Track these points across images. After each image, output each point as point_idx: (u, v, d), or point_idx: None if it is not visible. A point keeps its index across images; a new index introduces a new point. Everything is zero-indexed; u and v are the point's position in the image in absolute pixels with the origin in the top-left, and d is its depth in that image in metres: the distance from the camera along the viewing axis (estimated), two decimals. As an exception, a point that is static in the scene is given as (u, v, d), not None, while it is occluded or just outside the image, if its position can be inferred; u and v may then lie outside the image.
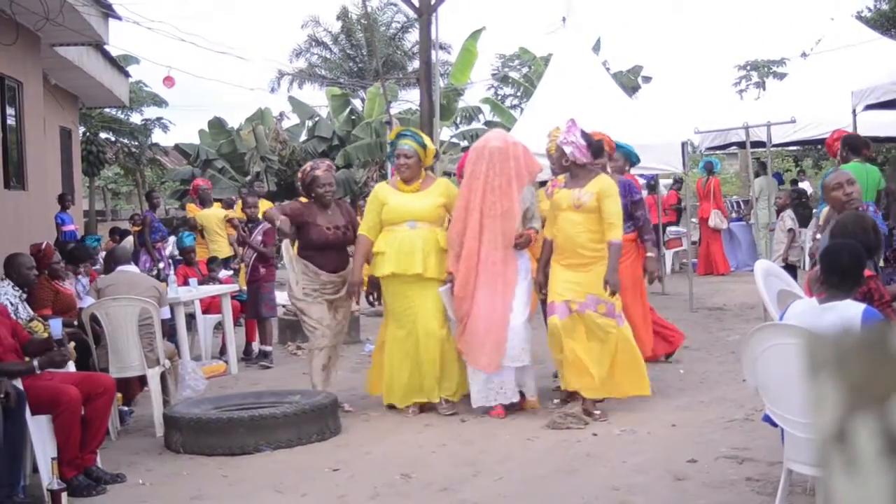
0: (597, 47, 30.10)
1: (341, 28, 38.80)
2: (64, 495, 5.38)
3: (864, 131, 10.66)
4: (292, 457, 6.48)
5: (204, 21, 78.15)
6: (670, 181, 18.68)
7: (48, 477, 5.46)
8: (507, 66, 37.92)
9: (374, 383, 7.87)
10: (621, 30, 73.16)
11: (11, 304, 6.73)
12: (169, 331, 8.43)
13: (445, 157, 21.54)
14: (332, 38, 39.32)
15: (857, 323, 4.08)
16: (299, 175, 8.13)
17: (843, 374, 0.82)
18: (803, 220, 13.59)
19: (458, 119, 29.68)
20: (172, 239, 14.71)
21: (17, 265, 7.11)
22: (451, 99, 26.96)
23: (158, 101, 32.71)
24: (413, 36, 36.54)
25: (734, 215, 18.76)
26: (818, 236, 8.82)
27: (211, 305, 10.68)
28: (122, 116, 32.08)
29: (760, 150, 15.41)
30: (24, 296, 7.16)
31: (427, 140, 7.85)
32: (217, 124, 28.97)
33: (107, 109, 28.48)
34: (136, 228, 13.90)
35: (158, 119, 34.46)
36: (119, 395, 7.09)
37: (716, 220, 17.23)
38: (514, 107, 33.11)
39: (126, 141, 32.99)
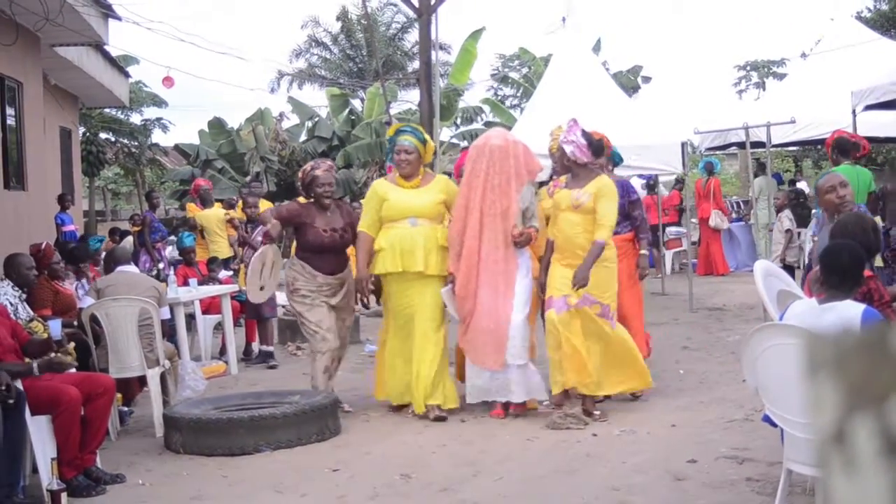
0: (597, 47, 30.12)
1: (341, 28, 38.84)
2: (63, 495, 5.38)
3: (863, 132, 10.67)
4: (292, 457, 6.48)
5: (204, 21, 78.13)
6: (673, 181, 18.69)
7: (48, 477, 5.46)
8: (507, 66, 37.92)
9: (380, 387, 7.84)
10: (621, 30, 73.23)
11: (11, 305, 6.73)
12: (169, 331, 8.43)
13: (445, 157, 21.54)
14: (331, 39, 39.36)
15: (857, 323, 4.09)
16: (299, 175, 8.07)
17: (842, 374, 0.82)
18: (801, 221, 13.59)
19: (459, 119, 29.69)
20: (172, 239, 14.71)
21: (16, 265, 7.11)
22: (452, 99, 26.96)
23: (158, 102, 32.71)
24: (413, 36, 36.56)
25: (734, 216, 18.77)
26: (815, 238, 8.86)
27: (211, 306, 10.68)
28: (122, 117, 32.08)
29: (760, 150, 15.41)
30: (24, 296, 7.16)
31: (427, 136, 7.84)
32: (217, 124, 28.97)
33: (107, 110, 28.48)
34: (136, 229, 13.90)
35: (158, 119, 34.47)
36: (119, 395, 7.09)
37: (716, 220, 17.24)
38: (513, 107, 33.12)
39: (126, 141, 32.99)
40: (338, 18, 38.66)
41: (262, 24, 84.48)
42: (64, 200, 15.75)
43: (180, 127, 74.35)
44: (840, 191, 6.13)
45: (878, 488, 0.78)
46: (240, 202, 12.54)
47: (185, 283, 10.20)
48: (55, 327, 6.14)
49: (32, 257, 7.55)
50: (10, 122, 12.68)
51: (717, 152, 18.92)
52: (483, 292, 7.29)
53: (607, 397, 7.46)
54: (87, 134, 29.52)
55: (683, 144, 12.45)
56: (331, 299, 7.58)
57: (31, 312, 7.08)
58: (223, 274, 11.42)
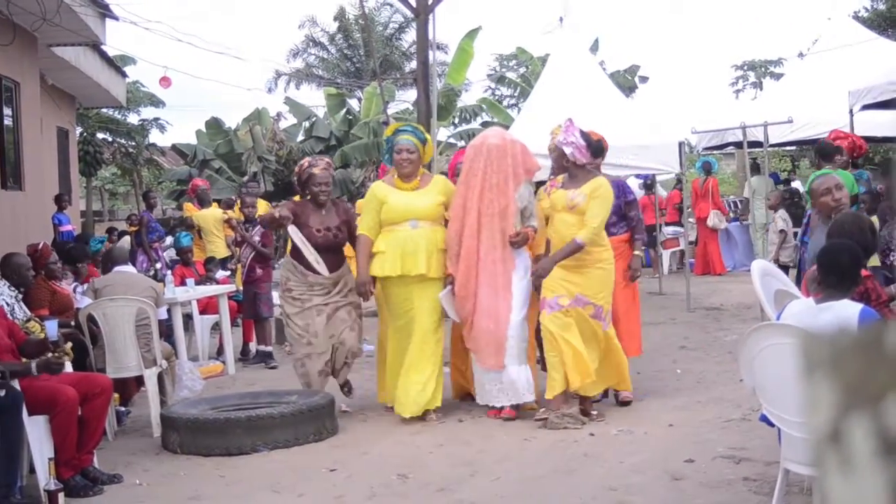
0: (594, 47, 30.12)
1: (338, 28, 38.81)
2: (61, 496, 5.38)
3: (860, 131, 10.69)
4: (289, 457, 6.48)
5: (201, 21, 78.10)
6: (674, 180, 18.71)
7: (45, 477, 5.46)
8: (505, 66, 37.91)
9: (382, 391, 7.79)
10: (618, 30, 73.26)
11: (7, 305, 6.72)
12: (166, 331, 8.43)
13: (443, 157, 21.53)
14: (329, 39, 39.35)
15: (854, 323, 4.09)
16: (296, 170, 7.95)
17: (839, 373, 0.82)
18: (797, 220, 13.59)
19: (456, 119, 29.68)
20: (169, 239, 14.69)
21: (13, 265, 7.10)
22: (451, 99, 26.95)
23: (155, 102, 32.68)
24: (410, 36, 36.58)
25: (731, 215, 18.77)
26: (798, 242, 8.89)
27: (208, 306, 10.68)
28: (120, 117, 32.04)
29: (757, 150, 15.41)
30: (21, 296, 7.15)
31: (427, 135, 7.81)
32: (214, 124, 28.95)
33: (104, 110, 28.46)
34: (133, 229, 13.89)
35: (155, 119, 34.43)
36: (116, 395, 7.09)
37: (714, 219, 17.25)
38: (511, 107, 33.11)
39: (123, 141, 32.96)
40: (335, 18, 38.66)
41: (259, 23, 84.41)
42: (61, 200, 15.73)
43: (177, 127, 74.18)
44: (836, 193, 6.13)
45: (874, 488, 0.78)
46: (238, 202, 12.53)
47: (183, 283, 10.21)
48: (51, 328, 6.13)
49: (30, 257, 7.54)
50: (8, 122, 12.68)
51: (715, 152, 18.92)
52: (482, 292, 7.27)
53: (605, 396, 7.47)
54: (85, 134, 29.49)
55: (681, 144, 12.46)
56: (325, 299, 7.47)
57: (28, 312, 7.07)
58: (220, 274, 11.42)
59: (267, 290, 10.43)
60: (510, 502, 5.44)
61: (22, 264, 7.14)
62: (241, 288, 10.75)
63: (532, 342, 7.44)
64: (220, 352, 10.40)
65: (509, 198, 7.27)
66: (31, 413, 5.67)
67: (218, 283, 10.97)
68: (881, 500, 0.77)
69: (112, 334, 7.37)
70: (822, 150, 8.77)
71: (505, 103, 33.89)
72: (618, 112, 12.27)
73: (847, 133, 9.77)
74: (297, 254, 7.59)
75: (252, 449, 6.55)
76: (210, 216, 12.99)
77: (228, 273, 11.67)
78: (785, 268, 11.49)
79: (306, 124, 30.38)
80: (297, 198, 7.96)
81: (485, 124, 28.30)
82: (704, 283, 15.50)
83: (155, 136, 34.98)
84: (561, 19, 14.19)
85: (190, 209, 13.80)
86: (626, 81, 31.97)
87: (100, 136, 31.65)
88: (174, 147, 30.98)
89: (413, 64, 28.23)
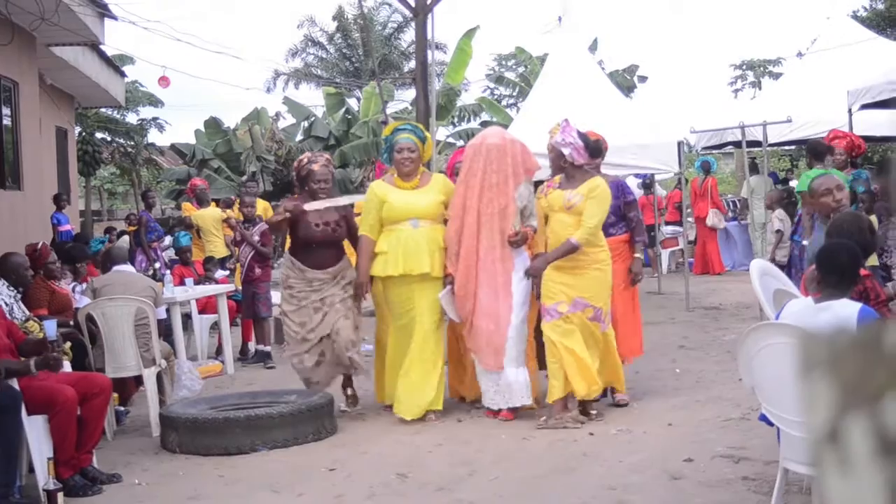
0: (593, 47, 30.12)
1: (337, 28, 38.80)
2: (60, 495, 5.38)
3: (859, 131, 10.70)
4: (288, 457, 6.47)
5: (200, 21, 78.01)
6: (677, 179, 18.68)
7: (44, 477, 5.46)
8: (504, 65, 37.91)
9: (380, 391, 7.78)
10: (617, 29, 73.25)
11: (6, 305, 6.72)
12: (165, 331, 8.42)
13: (441, 157, 21.54)
14: (327, 38, 39.33)
15: (853, 322, 4.09)
16: (294, 165, 7.90)
17: (836, 373, 0.82)
18: (794, 219, 13.59)
19: (456, 119, 29.68)
20: (168, 239, 14.69)
21: (11, 265, 7.10)
22: (451, 98, 26.95)
23: (154, 101, 32.66)
24: (409, 35, 36.58)
25: (730, 215, 18.78)
26: (791, 242, 8.90)
27: (207, 305, 10.67)
28: (118, 116, 32.01)
29: (756, 149, 15.40)
30: (20, 296, 7.15)
31: (426, 133, 7.80)
32: (213, 124, 28.94)
33: (102, 109, 28.43)
34: (132, 228, 13.89)
35: (154, 119, 34.41)
36: (115, 395, 7.08)
37: (714, 219, 17.25)
38: (510, 106, 33.11)
39: (122, 141, 32.93)
40: (334, 18, 38.65)
41: (258, 23, 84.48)
42: (60, 200, 15.73)
43: (176, 126, 74.37)
44: (836, 194, 6.13)
45: (872, 488, 0.78)
46: (237, 201, 12.54)
47: (182, 283, 10.20)
48: (50, 327, 6.13)
49: (29, 257, 7.54)
50: (6, 121, 12.67)
51: (714, 151, 18.94)
52: (482, 292, 7.25)
53: (603, 395, 7.47)
54: (83, 134, 29.46)
55: (680, 144, 12.46)
56: (322, 294, 7.41)
57: (27, 312, 7.07)
58: (219, 273, 11.41)
59: (266, 290, 10.42)
60: (509, 502, 5.44)
61: (20, 264, 7.14)
62: (239, 287, 10.76)
63: (531, 341, 7.43)
64: (218, 351, 10.39)
65: (509, 197, 7.25)
66: (30, 413, 5.67)
67: (217, 282, 10.97)
68: (879, 500, 0.77)
69: (111, 334, 7.37)
70: (814, 149, 8.77)
71: (504, 103, 33.90)
72: (617, 112, 12.27)
73: (846, 132, 9.78)
74: (295, 251, 7.58)
75: (251, 448, 6.55)
76: (209, 216, 12.99)
77: (227, 272, 11.67)
78: (782, 267, 11.50)
79: (305, 124, 30.38)
80: (294, 196, 7.92)
81: (484, 124, 28.31)
82: (703, 283, 15.51)
83: (154, 136, 35.03)
84: (560, 19, 14.20)
85: (188, 209, 13.80)
86: (625, 81, 31.97)
87: (98, 135, 31.62)
88: (173, 147, 30.98)
89: (412, 63, 28.27)
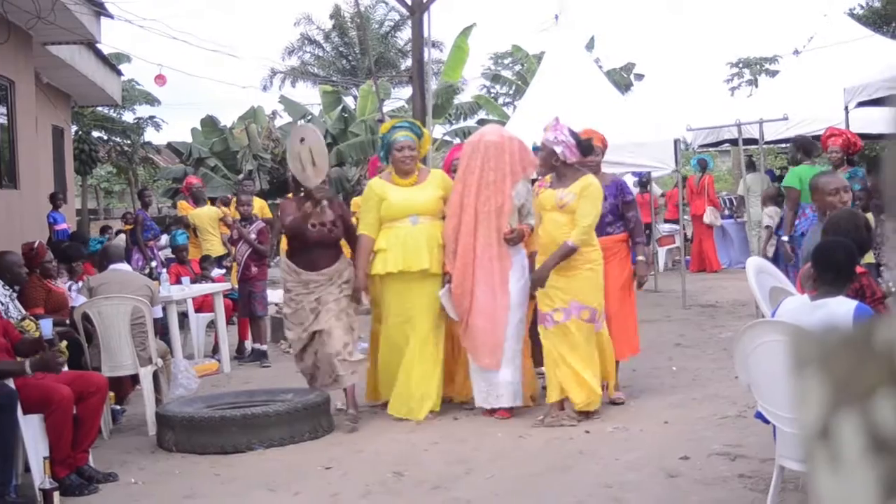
0: (590, 45, 30.12)
1: (333, 26, 38.79)
2: (56, 494, 5.37)
3: (856, 128, 10.69)
4: (285, 455, 6.47)
5: (196, 19, 78.09)
6: (672, 177, 18.70)
7: (40, 476, 5.45)
8: (500, 63, 37.91)
9: (371, 391, 7.77)
10: (614, 27, 73.16)
11: (2, 304, 6.72)
12: (161, 329, 8.42)
13: (438, 154, 21.52)
14: (324, 37, 39.31)
15: (849, 319, 4.10)
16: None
17: (828, 370, 0.82)
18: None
19: (453, 117, 29.69)
20: (165, 237, 14.68)
21: (7, 264, 7.09)
22: (448, 96, 26.95)
23: (151, 100, 32.63)
24: (405, 34, 36.53)
25: (726, 212, 18.80)
26: (785, 238, 8.91)
27: (203, 304, 10.67)
28: (115, 115, 31.97)
29: (753, 147, 15.41)
30: (15, 295, 7.14)
31: (424, 129, 7.79)
32: (209, 123, 28.92)
33: (99, 108, 28.40)
34: (129, 227, 13.88)
35: (151, 117, 34.38)
36: (111, 393, 7.08)
37: (711, 216, 17.26)
38: (507, 104, 33.11)
39: (118, 139, 32.89)
40: (330, 16, 38.63)
41: (254, 21, 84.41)
42: (56, 199, 15.71)
43: (173, 125, 74.26)
44: (843, 195, 6.18)
45: (863, 485, 0.78)
46: (234, 199, 12.54)
47: (178, 282, 10.19)
48: (46, 326, 6.13)
49: (25, 256, 7.53)
50: (2, 120, 12.66)
51: (710, 149, 18.93)
52: (479, 290, 7.24)
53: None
54: (80, 132, 29.43)
55: (676, 141, 12.47)
56: (318, 295, 7.33)
57: (23, 311, 7.06)
58: (216, 272, 11.41)
59: (262, 289, 10.42)
60: (505, 500, 5.44)
61: (14, 262, 7.13)
62: (236, 286, 10.75)
63: (527, 339, 7.43)
64: (215, 350, 10.39)
65: (506, 195, 7.24)
66: (25, 412, 5.66)
67: (213, 281, 10.96)
68: (870, 497, 0.77)
69: (107, 333, 7.36)
70: (802, 146, 8.77)
71: (500, 101, 33.90)
72: (613, 110, 12.29)
73: (842, 130, 9.78)
74: (291, 253, 7.55)
75: (247, 447, 6.55)
76: (205, 214, 12.98)
77: (224, 271, 11.66)
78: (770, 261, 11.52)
79: (302, 122, 30.34)
80: (290, 195, 7.91)
81: (481, 121, 28.32)
82: (700, 281, 15.53)
83: (150, 135, 34.97)
84: (556, 17, 14.21)
85: (184, 207, 13.79)
86: (622, 79, 31.96)
87: (95, 134, 31.59)
88: (169, 145, 30.94)
89: (408, 62, 28.23)
